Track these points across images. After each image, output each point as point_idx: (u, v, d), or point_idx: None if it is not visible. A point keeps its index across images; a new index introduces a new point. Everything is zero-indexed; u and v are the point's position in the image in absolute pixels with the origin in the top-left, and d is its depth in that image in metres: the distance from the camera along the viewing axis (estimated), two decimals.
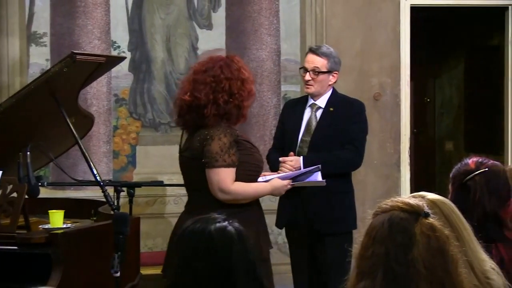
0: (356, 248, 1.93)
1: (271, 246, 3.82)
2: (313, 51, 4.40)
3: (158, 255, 4.82)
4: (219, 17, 5.93)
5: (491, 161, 2.81)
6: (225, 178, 3.53)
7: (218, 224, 2.13)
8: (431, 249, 1.83)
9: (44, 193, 4.12)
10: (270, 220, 4.31)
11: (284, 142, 4.44)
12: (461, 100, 8.44)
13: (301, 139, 4.36)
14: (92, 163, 3.84)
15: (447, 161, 8.32)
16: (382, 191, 5.99)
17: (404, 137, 6.23)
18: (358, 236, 1.97)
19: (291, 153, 4.27)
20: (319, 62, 4.34)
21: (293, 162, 4.22)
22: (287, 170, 4.15)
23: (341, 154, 4.30)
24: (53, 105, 3.82)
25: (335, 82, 4.42)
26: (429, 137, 8.88)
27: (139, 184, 4.58)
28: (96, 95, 5.74)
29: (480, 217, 2.65)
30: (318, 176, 4.01)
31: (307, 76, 4.35)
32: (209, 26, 5.93)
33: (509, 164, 5.95)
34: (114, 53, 5.72)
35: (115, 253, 3.04)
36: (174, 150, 3.87)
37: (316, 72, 4.33)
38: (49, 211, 3.81)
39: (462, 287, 1.86)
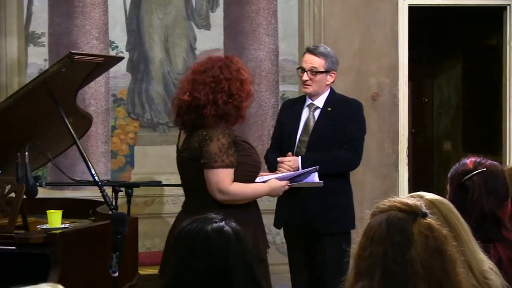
0: (354, 248, 1.93)
1: (268, 246, 3.82)
2: (310, 51, 4.40)
3: (156, 255, 4.81)
4: (217, 17, 5.93)
5: (489, 161, 2.81)
6: (223, 179, 3.52)
7: (215, 224, 2.13)
8: (429, 249, 1.83)
9: (42, 193, 4.12)
10: (268, 220, 4.31)
11: (282, 142, 4.44)
12: (459, 100, 8.44)
13: (299, 139, 4.36)
14: (90, 163, 3.84)
15: (445, 161, 8.32)
16: (380, 191, 5.99)
17: (402, 137, 6.23)
18: (356, 236, 1.97)
19: (289, 153, 4.28)
20: (316, 62, 4.34)
21: (291, 163, 4.21)
22: (285, 171, 4.16)
23: (339, 154, 4.30)
24: (51, 105, 3.82)
25: (332, 82, 4.42)
26: (427, 137, 8.88)
27: (137, 184, 4.57)
28: (94, 95, 5.74)
29: (478, 217, 2.65)
30: (315, 177, 4.01)
31: (305, 76, 4.35)
32: (207, 26, 5.93)
33: (507, 164, 5.95)
34: (112, 53, 5.72)
35: (113, 253, 3.04)
36: (172, 150, 3.87)
37: (314, 72, 4.33)
38: (47, 211, 3.81)
39: (460, 287, 1.86)
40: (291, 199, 4.21)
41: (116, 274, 3.04)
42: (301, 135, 4.37)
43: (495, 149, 6.78)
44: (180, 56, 5.90)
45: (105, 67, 4.39)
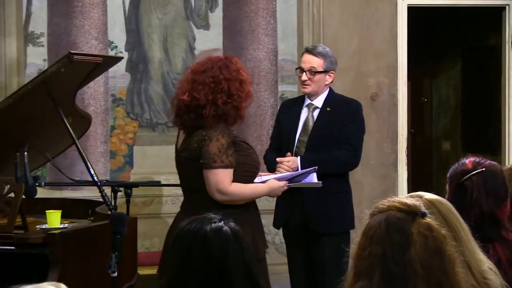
0: (353, 248, 1.93)
1: (267, 246, 3.82)
2: (309, 51, 4.40)
3: (155, 255, 4.81)
4: (216, 17, 5.93)
5: (488, 161, 2.81)
6: (223, 179, 3.52)
7: (214, 224, 2.13)
8: (428, 249, 1.83)
9: (41, 193, 4.13)
10: (267, 220, 4.31)
11: (281, 142, 4.44)
12: (458, 100, 8.44)
13: (298, 139, 4.36)
14: (90, 163, 3.84)
15: (444, 161, 8.32)
16: (379, 191, 5.99)
17: (401, 137, 6.23)
18: (355, 236, 1.97)
19: (288, 153, 4.28)
20: (315, 62, 4.34)
21: (290, 163, 4.21)
22: (284, 171, 4.15)
23: (338, 154, 4.30)
24: (51, 105, 3.82)
25: (331, 82, 4.42)
26: (426, 137, 8.88)
27: (136, 184, 4.58)
28: (93, 95, 5.74)
29: (477, 217, 2.64)
30: (314, 178, 4.01)
31: (304, 76, 4.35)
32: (206, 26, 5.93)
33: (506, 164, 5.96)
34: (111, 53, 5.72)
35: (112, 253, 3.04)
36: (171, 150, 3.87)
37: (313, 72, 4.33)
38: (46, 211, 3.81)
39: (459, 287, 1.86)
40: (290, 199, 4.20)
41: (115, 274, 3.04)
42: (300, 135, 4.37)
43: (494, 149, 6.78)
44: (179, 56, 5.89)
45: (104, 67, 4.39)
